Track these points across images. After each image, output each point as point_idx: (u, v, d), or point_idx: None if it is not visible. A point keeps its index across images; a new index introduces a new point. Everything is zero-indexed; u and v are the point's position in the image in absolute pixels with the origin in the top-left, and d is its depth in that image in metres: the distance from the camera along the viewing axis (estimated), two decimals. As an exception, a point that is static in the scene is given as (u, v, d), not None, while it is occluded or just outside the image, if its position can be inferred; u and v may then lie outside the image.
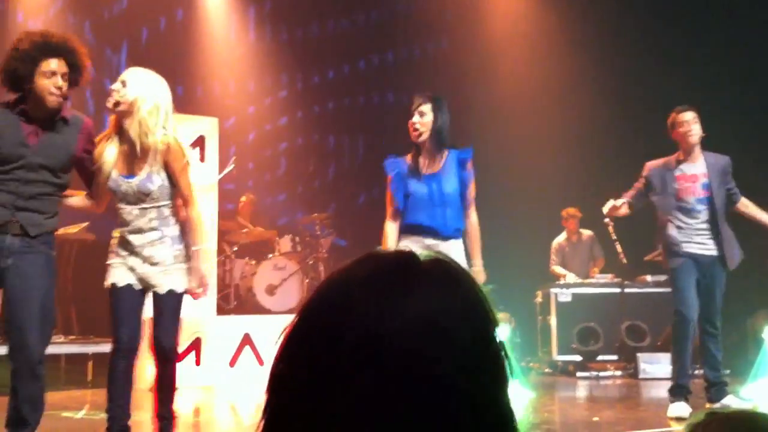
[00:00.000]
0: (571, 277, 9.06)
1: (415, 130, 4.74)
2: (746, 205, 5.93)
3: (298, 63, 11.18)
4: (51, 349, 7.00)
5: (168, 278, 4.06)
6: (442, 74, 10.22)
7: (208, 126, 7.11)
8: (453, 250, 4.69)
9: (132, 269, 4.05)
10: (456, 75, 10.17)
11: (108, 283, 4.06)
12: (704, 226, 5.74)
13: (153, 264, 4.04)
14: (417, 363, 0.82)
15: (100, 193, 4.14)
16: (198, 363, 6.97)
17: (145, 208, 4.04)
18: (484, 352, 0.87)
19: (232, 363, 7.18)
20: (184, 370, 6.56)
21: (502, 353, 0.88)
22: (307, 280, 8.91)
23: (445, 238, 4.73)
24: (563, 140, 9.85)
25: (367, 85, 11.33)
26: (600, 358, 8.42)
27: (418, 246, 4.58)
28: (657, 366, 7.78)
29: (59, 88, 3.78)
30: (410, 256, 0.90)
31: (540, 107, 10.18)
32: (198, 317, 6.72)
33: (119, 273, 4.05)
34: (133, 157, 4.02)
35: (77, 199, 4.20)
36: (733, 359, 8.06)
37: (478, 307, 0.89)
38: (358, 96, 11.42)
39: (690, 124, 5.75)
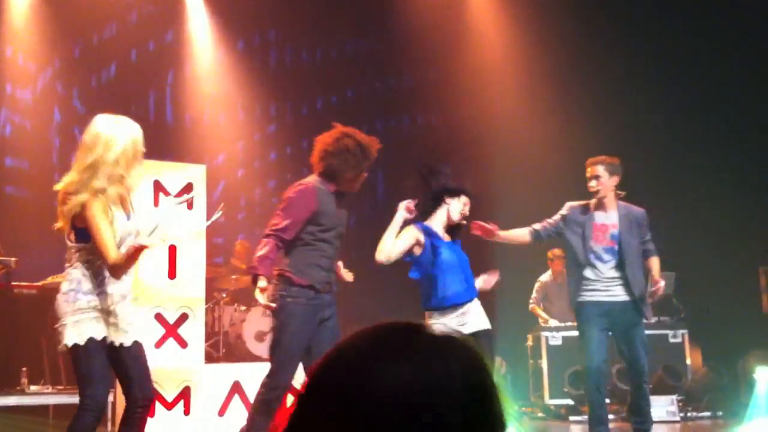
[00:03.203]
0: (553, 322, 9.00)
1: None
2: (652, 265, 5.95)
3: (288, 92, 11.20)
4: (39, 400, 6.96)
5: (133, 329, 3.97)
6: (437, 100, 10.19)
7: (196, 173, 7.11)
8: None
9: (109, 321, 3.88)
10: (451, 98, 10.23)
11: (83, 338, 3.76)
12: (613, 274, 5.77)
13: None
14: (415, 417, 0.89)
15: None
16: (187, 413, 6.87)
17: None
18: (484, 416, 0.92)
19: (222, 412, 7.08)
20: (173, 420, 6.49)
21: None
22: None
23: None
24: (550, 182, 9.87)
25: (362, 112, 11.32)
26: (592, 401, 8.35)
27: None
28: (649, 409, 7.71)
29: None
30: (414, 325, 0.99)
31: (526, 150, 10.24)
32: (187, 366, 6.65)
33: (96, 325, 3.84)
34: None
35: None
36: (725, 401, 8.03)
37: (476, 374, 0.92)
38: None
39: (590, 180, 5.86)
